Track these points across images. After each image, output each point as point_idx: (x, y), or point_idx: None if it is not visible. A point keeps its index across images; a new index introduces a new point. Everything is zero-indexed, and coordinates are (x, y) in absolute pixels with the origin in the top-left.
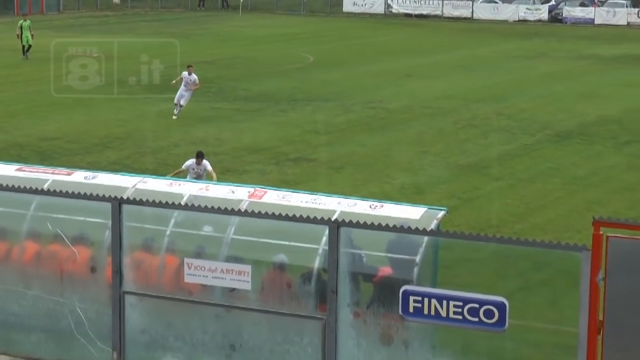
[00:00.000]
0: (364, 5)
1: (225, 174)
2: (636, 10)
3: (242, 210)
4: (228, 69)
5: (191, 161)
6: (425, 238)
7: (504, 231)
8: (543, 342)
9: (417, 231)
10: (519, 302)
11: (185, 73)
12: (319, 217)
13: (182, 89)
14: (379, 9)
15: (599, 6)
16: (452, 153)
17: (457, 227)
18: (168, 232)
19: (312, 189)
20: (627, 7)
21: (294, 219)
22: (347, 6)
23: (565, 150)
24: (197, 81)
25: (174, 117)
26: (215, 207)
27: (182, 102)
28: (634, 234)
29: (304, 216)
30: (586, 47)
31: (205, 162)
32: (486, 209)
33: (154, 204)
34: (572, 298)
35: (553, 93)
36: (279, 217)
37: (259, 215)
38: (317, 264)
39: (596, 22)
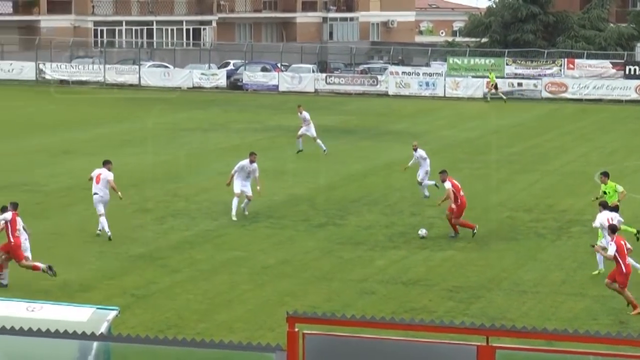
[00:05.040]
0: (11, 70)
1: None
2: (324, 75)
3: None
4: None
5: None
6: (95, 343)
7: (185, 332)
8: None
9: (84, 336)
10: None
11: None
12: None
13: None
14: (30, 74)
15: (282, 71)
16: (122, 242)
17: (131, 330)
18: None
19: None
20: (313, 72)
21: None
22: None
23: (252, 236)
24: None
25: None
26: None
27: None
28: (332, 329)
29: None
30: (270, 117)
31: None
32: (165, 307)
33: None
34: None
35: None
36: None
37: None
38: None
39: (280, 88)
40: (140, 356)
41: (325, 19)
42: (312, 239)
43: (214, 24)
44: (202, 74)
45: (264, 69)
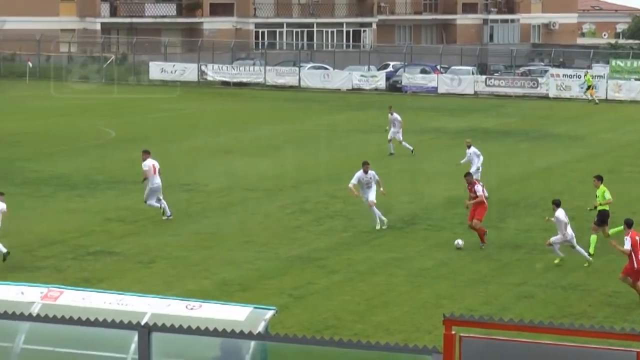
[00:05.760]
0: (173, 72)
1: (13, 272)
2: (483, 77)
3: (34, 315)
4: (13, 147)
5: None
6: (252, 343)
7: (342, 333)
8: None
9: (242, 335)
10: None
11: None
12: (126, 321)
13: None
14: (192, 76)
15: (442, 73)
16: (281, 243)
17: (288, 330)
18: None
19: (118, 287)
20: (473, 74)
21: (96, 323)
22: (155, 73)
23: (409, 238)
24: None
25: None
26: (1, 311)
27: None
28: (489, 333)
29: (109, 320)
30: (429, 119)
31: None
32: (322, 307)
33: None
34: None
35: (392, 172)
36: (79, 322)
37: (54, 320)
38: None
39: (439, 90)
40: (296, 356)
41: (485, 21)
42: (470, 242)
43: (374, 25)
44: (362, 75)
45: (423, 71)
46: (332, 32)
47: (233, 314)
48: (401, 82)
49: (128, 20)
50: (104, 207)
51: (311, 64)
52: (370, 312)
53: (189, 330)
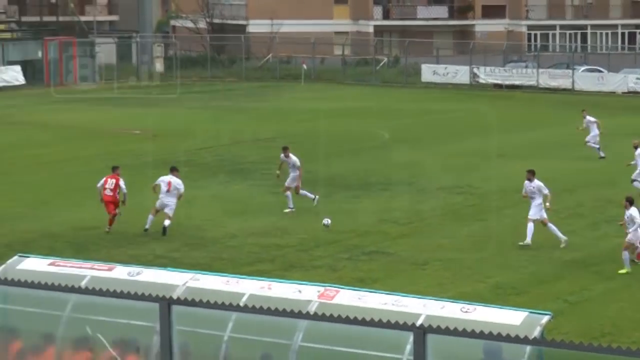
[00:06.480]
0: (446, 74)
1: (290, 270)
2: None
3: (311, 313)
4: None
5: None
6: (528, 348)
7: (620, 340)
8: None
9: (517, 339)
10: None
11: (282, 156)
12: (401, 322)
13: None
14: (464, 78)
15: None
16: (555, 247)
17: (564, 336)
18: (226, 338)
19: (391, 288)
20: None
21: (372, 323)
22: (427, 75)
23: None
24: (298, 163)
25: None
26: (280, 308)
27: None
28: None
29: (384, 320)
30: None
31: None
32: (598, 314)
33: (208, 304)
34: None
35: None
36: (355, 321)
37: (331, 319)
38: None
39: None
40: None
41: None
42: None
43: None
44: (638, 78)
45: None
46: (607, 34)
47: (508, 318)
48: None
49: (400, 22)
50: (378, 208)
51: (585, 67)
52: None
53: (464, 333)
